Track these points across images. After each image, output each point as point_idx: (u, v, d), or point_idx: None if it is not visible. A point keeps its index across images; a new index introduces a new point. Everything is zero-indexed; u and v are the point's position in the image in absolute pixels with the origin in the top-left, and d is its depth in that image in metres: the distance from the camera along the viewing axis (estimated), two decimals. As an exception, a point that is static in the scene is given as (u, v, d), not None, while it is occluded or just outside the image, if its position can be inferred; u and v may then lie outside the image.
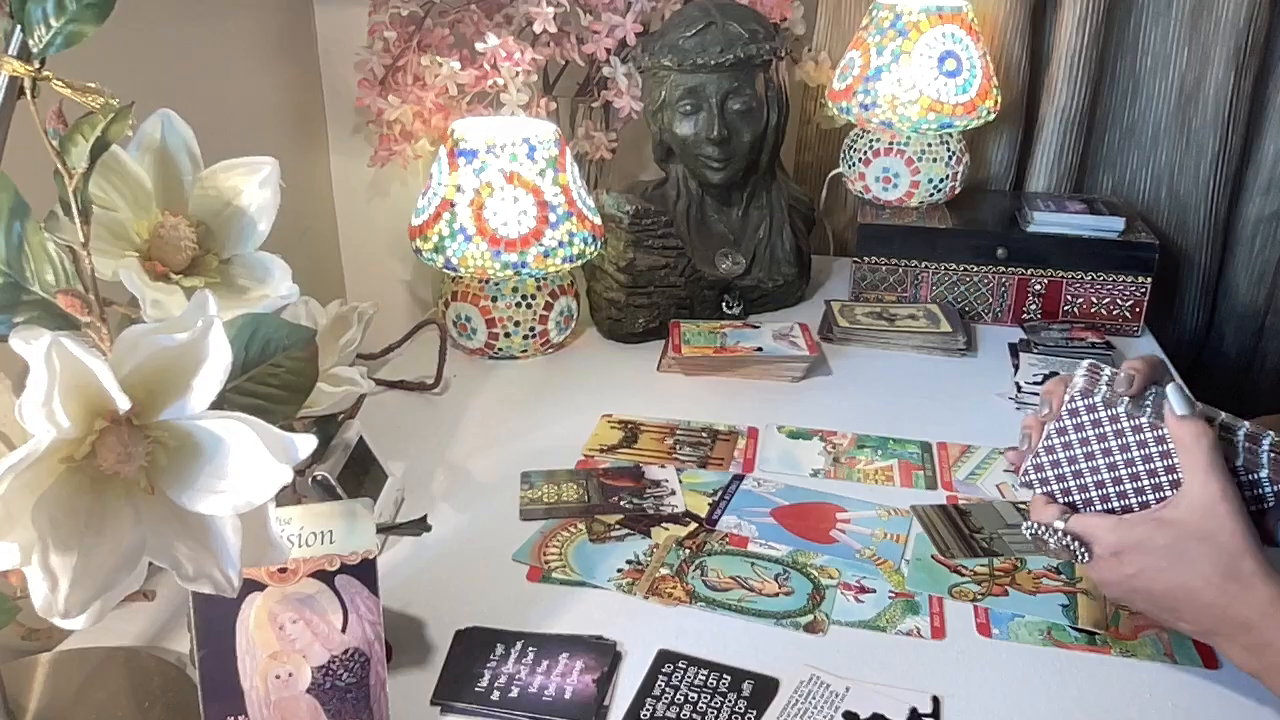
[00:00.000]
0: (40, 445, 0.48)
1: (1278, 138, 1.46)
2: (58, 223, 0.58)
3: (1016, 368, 1.21)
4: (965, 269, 1.36)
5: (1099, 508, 0.73)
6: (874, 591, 0.85)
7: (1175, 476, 0.70)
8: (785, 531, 0.92)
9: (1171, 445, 0.70)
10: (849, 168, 1.48)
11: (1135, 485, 0.72)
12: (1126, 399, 0.73)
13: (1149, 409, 0.72)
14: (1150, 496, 0.71)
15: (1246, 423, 0.73)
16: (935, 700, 0.73)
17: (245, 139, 1.24)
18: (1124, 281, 1.33)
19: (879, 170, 1.44)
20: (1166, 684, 0.75)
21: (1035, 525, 0.74)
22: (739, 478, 1.01)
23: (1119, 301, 1.33)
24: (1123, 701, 0.74)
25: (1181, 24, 1.46)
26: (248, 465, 0.51)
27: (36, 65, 0.55)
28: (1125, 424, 0.72)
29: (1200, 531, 0.68)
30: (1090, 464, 0.73)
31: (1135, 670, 0.77)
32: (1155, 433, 0.71)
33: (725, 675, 0.75)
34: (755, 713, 0.72)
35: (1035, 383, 1.15)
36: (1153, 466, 0.71)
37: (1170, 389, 0.71)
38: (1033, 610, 0.82)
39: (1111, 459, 0.72)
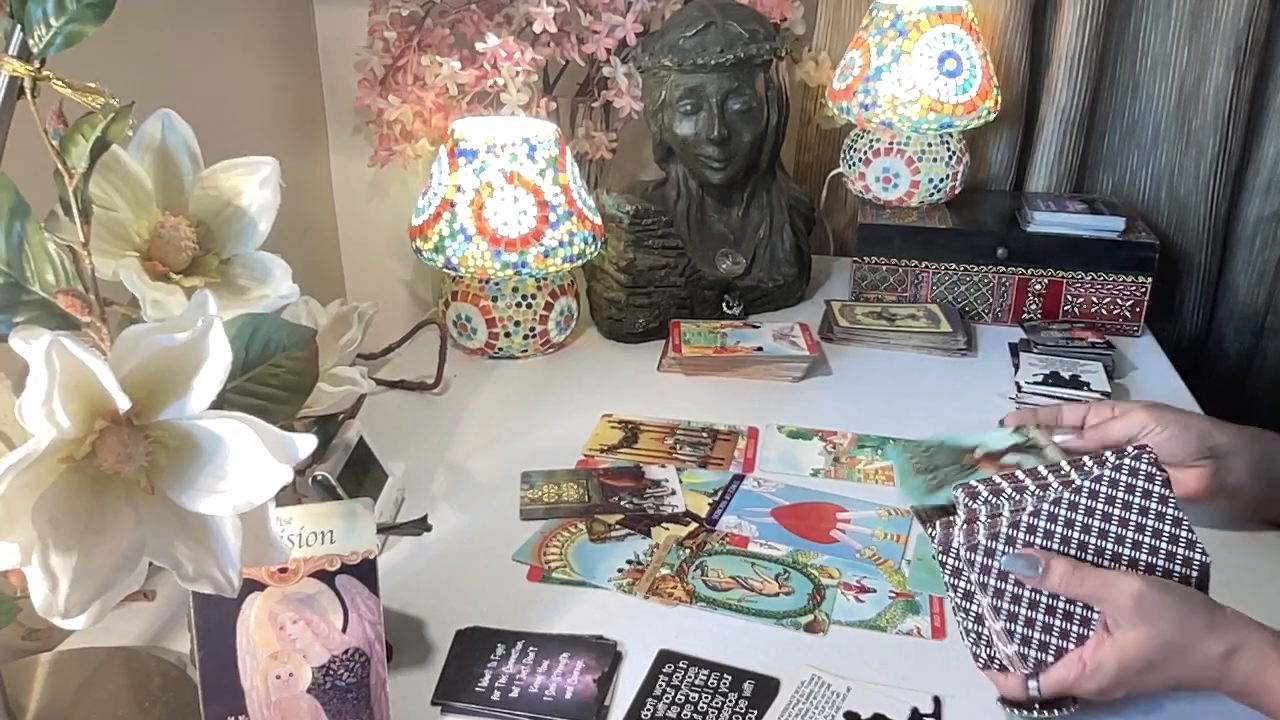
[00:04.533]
0: (40, 445, 0.48)
1: (1278, 138, 1.46)
2: (58, 223, 0.58)
3: (1016, 368, 1.21)
4: (965, 269, 1.36)
5: (1054, 656, 0.70)
6: (874, 591, 0.85)
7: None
8: (785, 531, 0.92)
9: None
10: (849, 168, 1.48)
11: (1065, 627, 0.70)
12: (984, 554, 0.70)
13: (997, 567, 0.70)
14: (1090, 626, 0.69)
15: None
16: (936, 700, 0.73)
17: (245, 139, 1.23)
18: (1124, 281, 1.33)
19: (879, 170, 1.44)
20: (1167, 684, 0.75)
21: (1012, 713, 0.71)
22: (739, 478, 1.01)
23: (1119, 301, 1.33)
24: (1122, 701, 0.74)
25: (1181, 24, 1.46)
26: (248, 465, 0.51)
27: (36, 65, 0.55)
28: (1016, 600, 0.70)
29: (1154, 648, 0.66)
30: (1026, 626, 0.70)
31: (1136, 670, 0.77)
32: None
33: (726, 675, 0.75)
34: (756, 713, 0.72)
35: (1035, 382, 1.15)
36: (1078, 613, 0.70)
37: (1006, 563, 0.69)
38: (1033, 610, 0.82)
39: (1037, 618, 0.70)
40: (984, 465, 0.94)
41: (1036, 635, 0.70)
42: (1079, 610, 0.69)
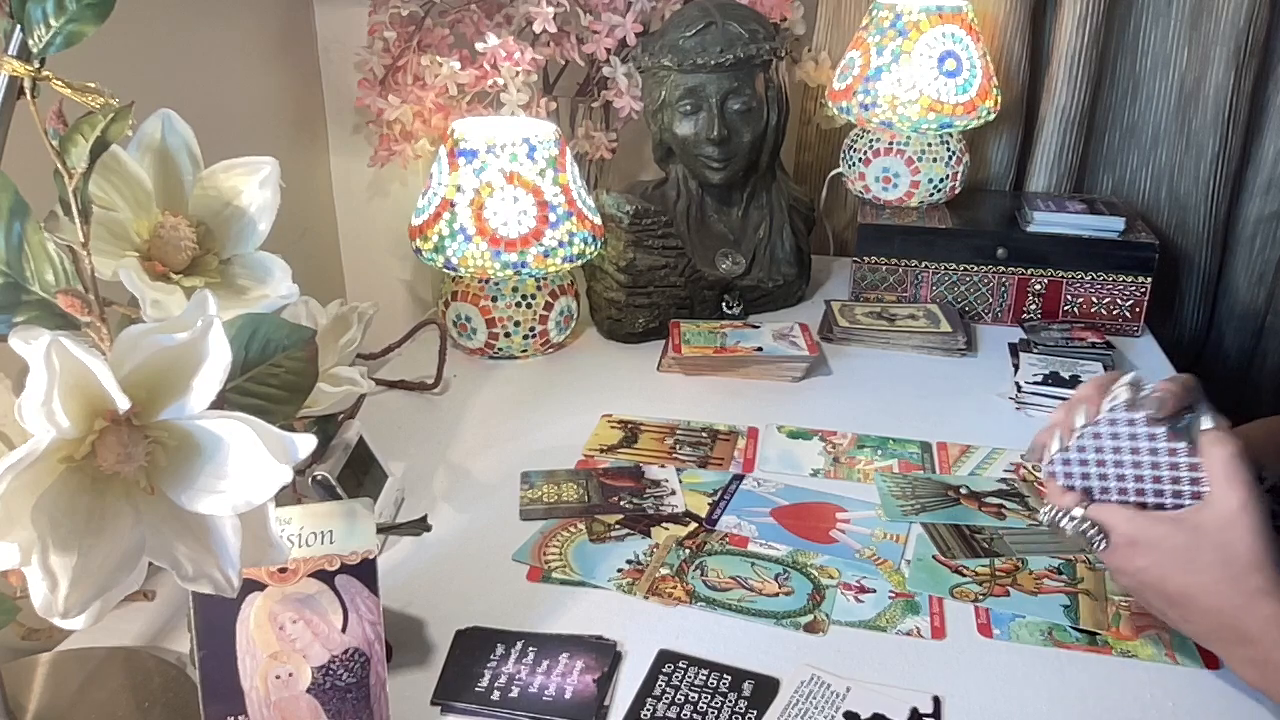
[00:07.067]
0: (40, 445, 0.48)
1: (1278, 138, 1.46)
2: (58, 223, 0.58)
3: (1016, 368, 1.21)
4: (965, 269, 1.36)
5: (1117, 501, 0.74)
6: (874, 591, 0.85)
7: (1200, 493, 0.71)
8: (785, 531, 0.92)
9: (1203, 472, 0.70)
10: (849, 168, 1.48)
11: (1158, 490, 0.72)
12: (1167, 422, 0.72)
13: (1188, 438, 0.72)
14: (1170, 502, 0.72)
15: None
16: (936, 700, 0.73)
17: (245, 139, 1.24)
18: (1124, 281, 1.33)
19: (879, 170, 1.44)
20: (1166, 684, 0.75)
21: (1054, 511, 0.75)
22: (739, 478, 1.01)
23: (1119, 301, 1.33)
24: (1123, 702, 0.74)
25: (1181, 24, 1.46)
26: (248, 465, 0.51)
27: (36, 65, 0.55)
28: (1162, 443, 0.72)
29: (1216, 540, 0.68)
30: (1119, 470, 0.73)
31: (1136, 670, 0.77)
32: (1191, 458, 0.71)
33: (726, 675, 0.75)
34: (756, 713, 0.72)
35: (1035, 382, 1.15)
36: (1179, 488, 0.72)
37: (1203, 407, 0.72)
38: (1034, 611, 0.82)
39: (1141, 471, 0.72)
40: (966, 503, 0.95)
41: (1119, 485, 0.73)
42: (1169, 499, 0.72)
